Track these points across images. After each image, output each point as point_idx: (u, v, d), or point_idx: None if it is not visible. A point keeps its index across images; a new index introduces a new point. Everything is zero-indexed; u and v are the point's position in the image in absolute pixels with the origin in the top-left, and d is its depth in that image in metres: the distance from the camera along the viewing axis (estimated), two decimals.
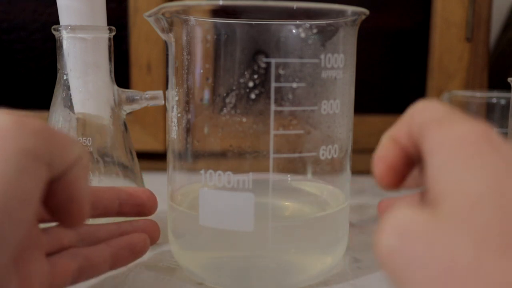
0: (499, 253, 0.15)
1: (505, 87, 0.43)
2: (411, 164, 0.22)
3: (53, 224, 0.25)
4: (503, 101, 0.48)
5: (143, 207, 0.29)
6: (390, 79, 0.61)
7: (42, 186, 0.20)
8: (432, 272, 0.15)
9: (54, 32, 0.33)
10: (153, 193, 0.29)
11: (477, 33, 0.57)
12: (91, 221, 0.33)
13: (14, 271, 0.21)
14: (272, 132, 0.27)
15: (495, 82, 0.59)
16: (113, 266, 0.27)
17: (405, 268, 0.16)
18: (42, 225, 0.25)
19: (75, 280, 0.25)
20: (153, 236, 0.29)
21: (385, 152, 0.23)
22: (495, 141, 0.18)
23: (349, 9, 0.28)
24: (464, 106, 0.51)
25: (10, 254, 0.19)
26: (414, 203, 0.18)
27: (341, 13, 0.28)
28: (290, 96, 0.27)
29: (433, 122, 0.19)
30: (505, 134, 0.46)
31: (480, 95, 0.50)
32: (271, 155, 0.27)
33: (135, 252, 0.28)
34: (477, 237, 0.15)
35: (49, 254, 0.24)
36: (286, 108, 0.27)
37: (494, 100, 0.49)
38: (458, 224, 0.16)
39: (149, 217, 0.31)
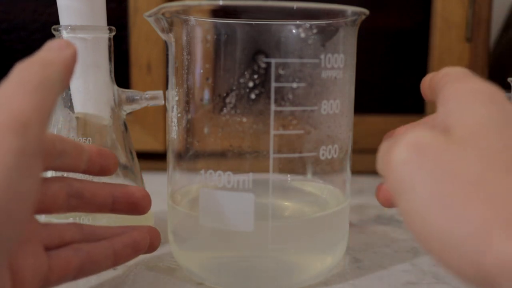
0: (502, 170, 0.17)
1: (505, 87, 0.43)
2: None
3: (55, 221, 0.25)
4: None
5: (136, 205, 0.29)
6: (390, 79, 0.61)
7: (38, 182, 0.20)
8: (440, 182, 0.17)
9: (54, 32, 0.33)
10: (148, 192, 0.29)
11: (477, 33, 0.57)
12: (90, 220, 0.33)
13: (6, 265, 0.21)
14: (272, 132, 0.27)
15: (495, 82, 0.59)
16: (115, 263, 0.27)
17: (415, 176, 0.18)
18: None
19: (77, 276, 0.25)
20: (154, 243, 0.29)
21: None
22: (502, 97, 0.20)
23: (349, 9, 0.28)
24: None
25: (6, 254, 0.19)
26: (428, 128, 0.19)
27: (341, 13, 0.28)
28: (290, 96, 0.27)
29: (452, 79, 0.22)
30: None
31: None
32: (271, 155, 0.27)
33: (137, 250, 0.28)
34: (484, 157, 0.17)
35: (50, 249, 0.24)
36: (286, 108, 0.27)
37: None
38: (467, 146, 0.18)
39: (152, 223, 0.31)
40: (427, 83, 0.27)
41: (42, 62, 0.22)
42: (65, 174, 0.29)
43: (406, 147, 0.18)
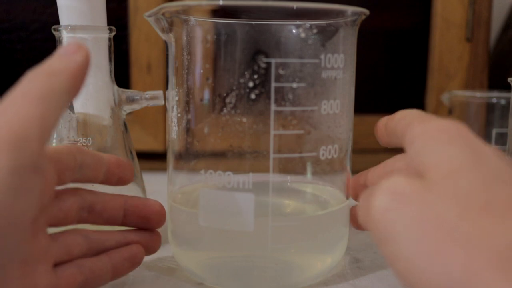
0: (479, 210, 0.17)
1: (505, 87, 0.43)
2: None
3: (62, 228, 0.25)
4: (503, 101, 0.48)
5: (148, 220, 0.28)
6: (390, 79, 0.61)
7: (36, 198, 0.20)
8: (422, 227, 0.17)
9: (54, 32, 0.33)
10: (162, 207, 0.29)
11: (477, 33, 0.57)
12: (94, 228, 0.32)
13: (20, 285, 0.21)
14: (272, 132, 0.27)
15: (495, 82, 0.59)
16: (113, 277, 0.27)
17: (397, 224, 0.18)
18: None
19: None
20: (156, 247, 0.29)
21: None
22: (468, 133, 0.20)
23: (349, 9, 0.28)
24: (464, 106, 0.51)
25: (3, 270, 0.19)
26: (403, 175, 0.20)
27: (341, 13, 0.28)
28: (290, 96, 0.27)
29: (414, 120, 0.22)
30: (505, 134, 0.46)
31: (480, 95, 0.50)
32: (271, 155, 0.27)
33: (135, 263, 0.28)
34: (459, 199, 0.18)
35: (57, 264, 0.24)
36: (286, 108, 0.27)
37: (494, 100, 0.49)
38: (444, 188, 0.18)
39: None
40: (382, 128, 0.27)
41: (48, 71, 0.21)
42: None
43: (385, 195, 0.19)
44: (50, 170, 0.22)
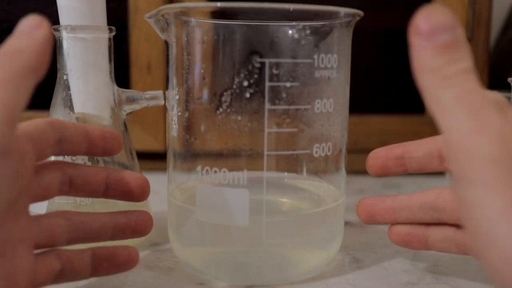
0: None
1: (505, 87, 0.43)
2: None
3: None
4: None
5: (130, 194, 0.28)
6: (390, 79, 0.61)
7: (8, 180, 0.20)
8: None
9: (54, 32, 0.33)
10: (146, 180, 0.28)
11: (477, 33, 0.57)
12: (89, 204, 0.32)
13: (0, 266, 0.20)
14: (266, 130, 0.27)
15: (495, 82, 0.59)
16: (93, 274, 0.26)
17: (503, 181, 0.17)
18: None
19: (54, 281, 0.24)
20: (146, 227, 0.28)
21: None
22: None
23: (342, 10, 0.28)
24: None
25: None
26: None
27: (334, 15, 0.28)
28: (284, 95, 0.27)
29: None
30: None
31: None
32: (265, 153, 0.28)
33: (117, 265, 0.27)
34: None
35: (38, 247, 0.24)
36: (280, 107, 0.28)
37: None
38: None
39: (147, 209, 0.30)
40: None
41: (10, 51, 0.20)
42: None
43: (491, 138, 0.18)
44: (27, 150, 0.22)
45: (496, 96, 0.21)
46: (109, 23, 0.35)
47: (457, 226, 0.27)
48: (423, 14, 0.20)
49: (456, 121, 0.19)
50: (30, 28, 0.21)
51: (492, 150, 0.18)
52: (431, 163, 0.29)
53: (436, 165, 0.29)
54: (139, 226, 0.28)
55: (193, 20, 0.28)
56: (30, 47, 0.20)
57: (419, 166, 0.29)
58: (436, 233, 0.28)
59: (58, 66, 0.34)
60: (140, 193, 0.28)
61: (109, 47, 0.35)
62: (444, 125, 0.19)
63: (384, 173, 0.30)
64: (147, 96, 0.36)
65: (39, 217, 0.24)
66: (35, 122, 0.24)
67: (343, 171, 0.31)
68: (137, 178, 0.28)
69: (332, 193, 0.31)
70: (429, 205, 0.28)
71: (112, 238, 0.27)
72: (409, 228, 0.29)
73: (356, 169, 0.32)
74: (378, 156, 0.30)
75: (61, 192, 0.26)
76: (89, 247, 0.26)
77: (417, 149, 0.29)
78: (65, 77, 0.34)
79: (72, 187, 0.26)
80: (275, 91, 0.27)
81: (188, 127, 0.30)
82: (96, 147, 0.27)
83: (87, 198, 0.33)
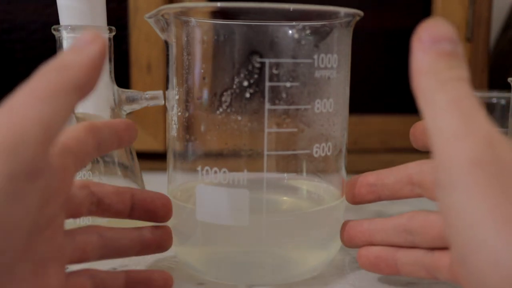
0: None
1: (505, 87, 0.43)
2: None
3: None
4: (503, 101, 0.48)
5: (155, 214, 0.28)
6: (390, 79, 0.61)
7: (33, 205, 0.19)
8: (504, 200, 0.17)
9: (54, 32, 0.33)
10: (169, 199, 0.29)
11: (477, 33, 0.57)
12: (113, 223, 0.32)
13: (30, 285, 0.20)
14: (266, 130, 0.28)
15: (495, 82, 0.59)
16: None
17: (485, 183, 0.17)
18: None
19: None
20: (168, 243, 0.29)
21: None
22: None
23: (342, 10, 0.28)
24: None
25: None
26: None
27: (334, 15, 0.28)
28: (284, 95, 0.28)
29: None
30: (505, 134, 0.46)
31: (480, 95, 0.50)
32: (265, 153, 0.28)
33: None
34: None
35: (69, 263, 0.23)
36: (280, 107, 0.28)
37: (494, 100, 0.49)
38: None
39: None
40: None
41: (58, 65, 0.19)
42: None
43: (477, 143, 0.18)
44: (67, 166, 0.22)
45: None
46: (109, 23, 0.35)
47: (427, 249, 0.27)
48: (430, 24, 0.20)
49: (448, 124, 0.19)
50: (83, 43, 0.20)
51: (476, 155, 0.18)
52: (402, 189, 0.29)
53: (407, 191, 0.29)
54: (163, 242, 0.28)
55: (193, 20, 0.28)
56: (79, 62, 0.19)
57: (390, 193, 0.29)
58: (407, 256, 0.28)
59: None
60: (164, 213, 0.28)
61: (109, 47, 0.35)
62: (434, 127, 0.20)
63: (359, 200, 0.30)
64: (147, 96, 0.36)
65: (74, 233, 0.24)
66: (75, 132, 0.23)
67: (343, 171, 0.31)
68: (160, 197, 0.28)
69: (332, 193, 0.31)
70: (403, 227, 0.27)
71: (138, 253, 0.28)
72: (378, 251, 0.29)
73: (356, 169, 0.32)
74: (352, 184, 0.31)
75: (90, 213, 0.26)
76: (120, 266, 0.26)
77: (389, 176, 0.29)
78: None
79: (99, 208, 0.26)
80: (275, 91, 0.27)
81: (188, 127, 0.30)
82: (123, 140, 0.27)
83: None
